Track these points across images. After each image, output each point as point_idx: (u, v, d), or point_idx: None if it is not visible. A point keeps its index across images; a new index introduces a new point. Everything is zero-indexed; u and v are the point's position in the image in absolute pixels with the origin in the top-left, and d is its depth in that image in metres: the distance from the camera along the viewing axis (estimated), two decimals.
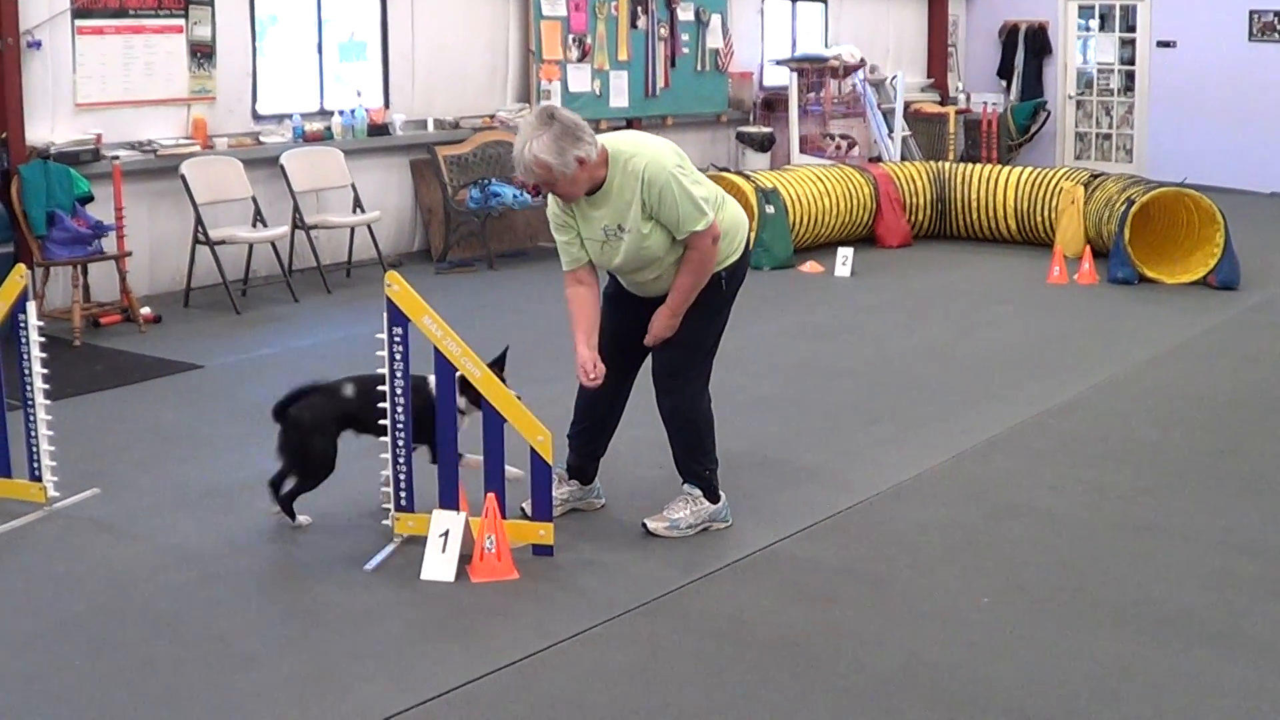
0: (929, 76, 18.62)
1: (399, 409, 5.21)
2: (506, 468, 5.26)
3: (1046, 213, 12.29)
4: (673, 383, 5.43)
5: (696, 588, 5.00)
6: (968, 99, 18.37)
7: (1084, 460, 6.49)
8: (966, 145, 17.37)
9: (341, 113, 11.42)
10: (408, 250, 12.10)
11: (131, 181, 9.70)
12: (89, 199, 9.32)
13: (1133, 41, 17.96)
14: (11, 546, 5.43)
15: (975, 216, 12.86)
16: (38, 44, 9.35)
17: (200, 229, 9.93)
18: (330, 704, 4.14)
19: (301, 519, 5.52)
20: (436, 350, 5.14)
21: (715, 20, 14.85)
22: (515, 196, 11.74)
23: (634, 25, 13.86)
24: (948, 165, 13.38)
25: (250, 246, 10.41)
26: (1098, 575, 5.12)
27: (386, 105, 11.91)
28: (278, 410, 5.46)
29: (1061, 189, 12.16)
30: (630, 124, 13.32)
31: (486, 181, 11.73)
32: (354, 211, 11.13)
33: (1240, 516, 5.75)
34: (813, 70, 15.38)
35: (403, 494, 5.30)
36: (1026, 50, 18.53)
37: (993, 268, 11.74)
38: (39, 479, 5.77)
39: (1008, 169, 12.99)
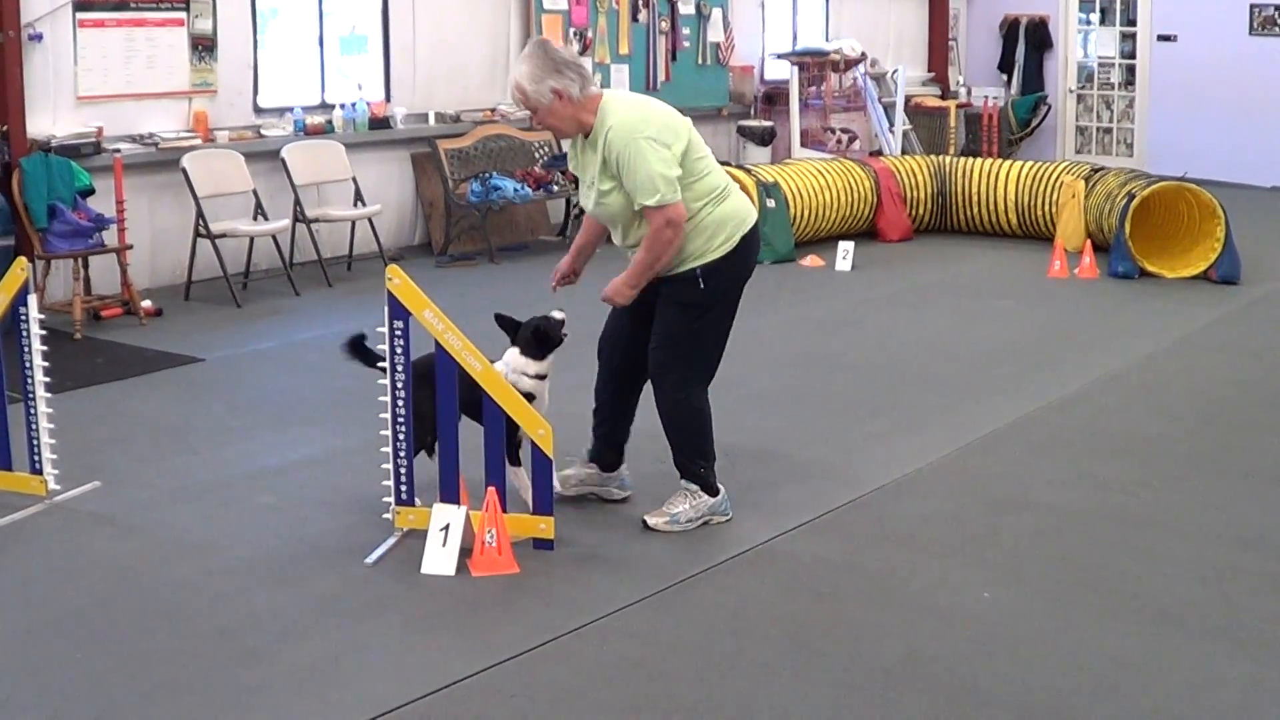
0: (930, 70, 18.60)
1: (399, 402, 5.21)
2: (518, 480, 5.40)
3: (1047, 207, 12.28)
4: (659, 380, 5.46)
5: (697, 582, 5.01)
6: (968, 93, 18.34)
7: (1085, 454, 6.49)
8: (967, 139, 17.35)
9: (342, 106, 11.41)
10: (409, 244, 12.10)
11: (132, 174, 9.70)
12: (90, 192, 9.32)
13: (1133, 35, 17.94)
14: (12, 539, 5.44)
15: (976, 210, 12.86)
16: (39, 36, 9.35)
17: (201, 222, 9.93)
18: (331, 697, 4.14)
19: None
20: (437, 344, 5.14)
21: (716, 14, 14.85)
22: (516, 190, 11.73)
23: (635, 19, 13.86)
24: (948, 159, 13.36)
25: (251, 240, 10.40)
26: (1098, 569, 5.12)
27: (388, 98, 11.91)
28: None
29: (1062, 183, 12.15)
30: None
31: (488, 175, 11.72)
32: (355, 205, 11.13)
33: (1241, 511, 5.75)
34: (814, 64, 15.35)
35: (403, 488, 5.30)
36: (1027, 44, 18.51)
37: (993, 262, 11.74)
38: (39, 472, 5.77)
39: (1008, 163, 12.98)
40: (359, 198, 11.15)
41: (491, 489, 5.11)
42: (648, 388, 5.57)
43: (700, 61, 14.72)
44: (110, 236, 9.37)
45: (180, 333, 9.02)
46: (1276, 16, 16.57)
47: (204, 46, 10.41)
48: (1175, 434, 6.86)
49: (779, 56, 15.69)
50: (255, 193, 10.38)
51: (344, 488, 5.94)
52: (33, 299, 5.70)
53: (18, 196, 8.98)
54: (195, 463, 6.37)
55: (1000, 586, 4.96)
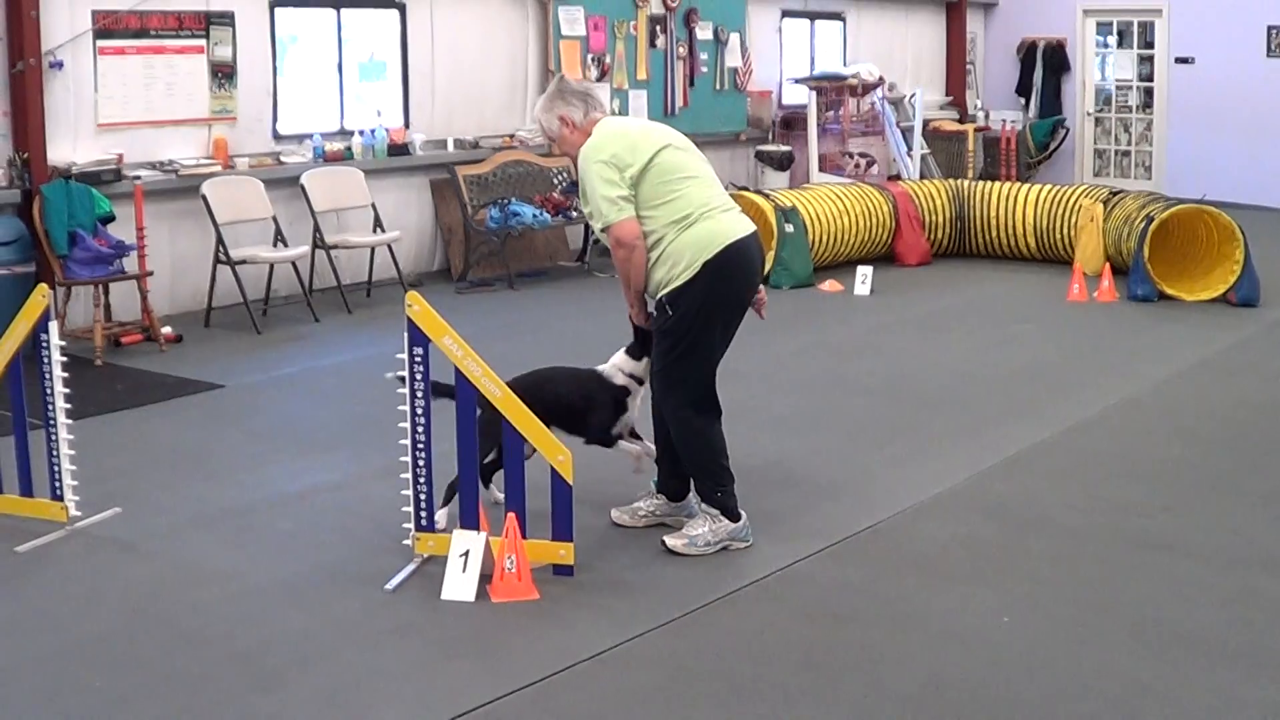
0: (947, 94, 18.62)
1: (419, 428, 5.22)
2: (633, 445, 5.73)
3: (1066, 230, 12.27)
4: (661, 407, 5.56)
5: (717, 607, 5.00)
6: (986, 116, 18.36)
7: (1104, 478, 6.48)
8: (985, 163, 17.35)
9: (361, 132, 11.47)
10: (428, 270, 12.14)
11: (153, 201, 9.75)
12: (110, 219, 9.38)
13: (1151, 58, 17.95)
14: (33, 565, 5.46)
15: (994, 234, 12.86)
16: (59, 64, 9.42)
17: (221, 249, 9.98)
18: None
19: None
20: (457, 370, 5.16)
21: (734, 39, 14.89)
22: (535, 216, 11.77)
23: (653, 44, 13.90)
24: (967, 183, 13.37)
25: (271, 266, 10.46)
26: (1118, 593, 5.10)
27: (406, 125, 11.97)
28: None
29: (1081, 206, 12.15)
30: None
31: (506, 201, 11.76)
32: (374, 231, 11.17)
33: (1260, 534, 5.72)
34: (831, 89, 15.39)
35: (423, 514, 5.31)
36: (1045, 67, 18.53)
37: (1012, 285, 11.72)
38: (60, 498, 5.79)
39: (1027, 186, 12.98)
40: (378, 224, 11.19)
41: (511, 515, 5.11)
42: None
43: (718, 87, 14.76)
44: (130, 263, 9.42)
45: (200, 359, 9.05)
46: None
47: (223, 73, 10.47)
48: (1195, 457, 6.84)
49: (797, 81, 15.73)
50: (275, 219, 10.43)
51: (363, 514, 5.95)
52: (54, 325, 5.73)
53: (39, 223, 9.05)
54: (215, 489, 6.39)
55: (1020, 611, 4.94)
